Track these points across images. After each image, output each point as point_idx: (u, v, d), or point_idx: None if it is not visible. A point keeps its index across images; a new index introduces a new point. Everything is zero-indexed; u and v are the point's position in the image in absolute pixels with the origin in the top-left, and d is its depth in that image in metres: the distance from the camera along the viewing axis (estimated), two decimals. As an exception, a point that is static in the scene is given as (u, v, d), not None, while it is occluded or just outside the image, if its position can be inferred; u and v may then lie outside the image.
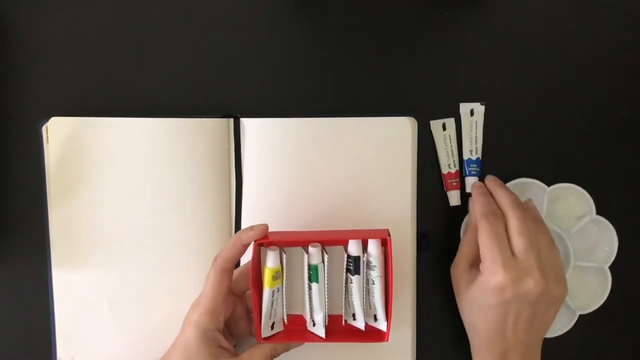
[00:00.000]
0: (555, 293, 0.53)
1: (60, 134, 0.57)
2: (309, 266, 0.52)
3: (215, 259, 0.52)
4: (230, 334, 0.56)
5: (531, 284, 0.52)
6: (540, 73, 0.61)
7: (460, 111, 0.61)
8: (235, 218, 0.60)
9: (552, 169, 0.61)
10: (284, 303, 0.53)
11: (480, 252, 0.54)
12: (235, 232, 0.59)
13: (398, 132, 0.59)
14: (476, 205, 0.56)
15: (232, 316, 0.55)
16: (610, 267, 0.61)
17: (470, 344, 0.57)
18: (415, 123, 0.60)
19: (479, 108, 0.60)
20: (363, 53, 0.60)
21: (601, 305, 0.61)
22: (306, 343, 0.55)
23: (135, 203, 0.58)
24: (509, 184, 0.60)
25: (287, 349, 0.55)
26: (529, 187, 0.60)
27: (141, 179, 0.58)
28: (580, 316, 0.61)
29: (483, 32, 0.61)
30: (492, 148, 0.61)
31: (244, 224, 0.60)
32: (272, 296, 0.52)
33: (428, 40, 0.61)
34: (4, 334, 0.59)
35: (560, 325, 0.61)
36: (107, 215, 0.58)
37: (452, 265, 0.58)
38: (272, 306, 0.52)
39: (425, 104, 0.61)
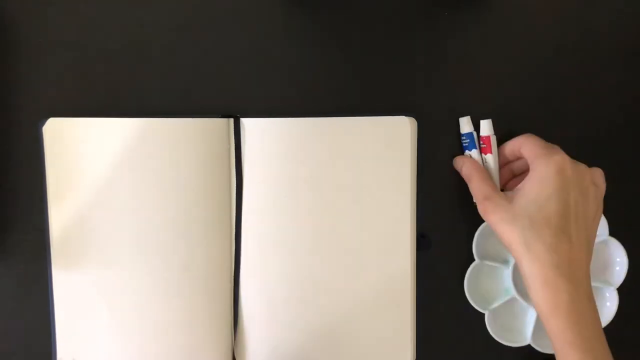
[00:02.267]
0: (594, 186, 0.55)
1: (59, 135, 0.58)
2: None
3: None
4: None
5: (582, 165, 0.54)
6: (540, 73, 0.61)
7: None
8: (236, 218, 0.60)
9: None
10: None
11: (526, 153, 0.55)
12: (236, 232, 0.59)
13: (398, 132, 0.59)
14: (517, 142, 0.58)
15: None
16: (619, 289, 0.60)
17: (527, 270, 0.52)
18: (415, 123, 0.59)
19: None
20: (363, 53, 0.60)
21: (607, 326, 0.61)
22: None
23: (135, 203, 0.58)
24: None
25: None
26: None
27: (140, 179, 0.58)
28: None
29: (483, 32, 0.61)
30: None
31: (244, 224, 0.59)
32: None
33: (428, 40, 0.60)
34: (4, 334, 0.59)
35: None
36: (107, 215, 0.58)
37: (482, 201, 0.55)
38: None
39: (425, 104, 0.60)
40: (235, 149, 0.59)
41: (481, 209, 0.55)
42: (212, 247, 0.59)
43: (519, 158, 0.58)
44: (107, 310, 0.59)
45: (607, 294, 0.61)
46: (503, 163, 0.59)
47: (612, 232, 0.60)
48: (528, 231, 0.51)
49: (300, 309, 0.60)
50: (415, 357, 0.61)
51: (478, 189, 0.56)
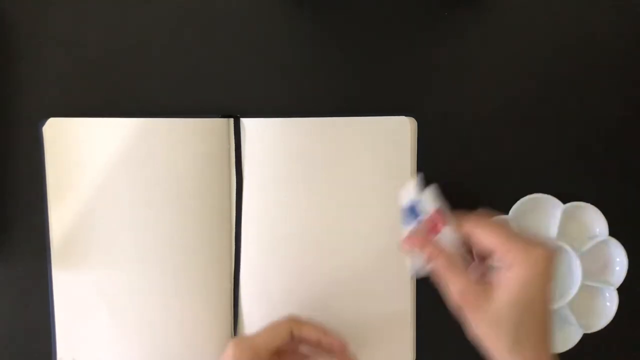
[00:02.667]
0: None
1: (59, 135, 0.58)
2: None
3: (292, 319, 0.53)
4: None
5: (554, 246, 0.49)
6: (540, 73, 0.61)
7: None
8: (236, 218, 0.59)
9: (567, 187, 0.61)
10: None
11: (491, 244, 0.48)
12: (236, 232, 0.59)
13: (398, 132, 0.59)
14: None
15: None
16: (619, 289, 0.60)
17: None
18: (415, 123, 0.59)
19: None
20: (363, 53, 0.60)
21: (606, 326, 0.61)
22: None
23: (134, 204, 0.58)
24: (524, 199, 0.60)
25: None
26: (544, 203, 0.60)
27: (140, 179, 0.58)
28: (585, 335, 0.61)
29: (483, 32, 0.60)
30: (499, 154, 0.61)
31: (245, 225, 0.59)
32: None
33: (428, 40, 0.60)
34: (4, 334, 0.59)
35: (564, 342, 0.61)
36: (107, 215, 0.58)
37: (459, 298, 0.49)
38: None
39: (425, 104, 0.60)
40: (235, 149, 0.59)
41: (457, 307, 0.50)
42: (212, 247, 0.59)
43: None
44: (107, 310, 0.58)
45: (607, 294, 0.61)
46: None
47: (612, 232, 0.60)
48: (513, 337, 0.47)
49: (300, 309, 0.59)
50: (415, 357, 0.61)
51: (453, 285, 0.49)
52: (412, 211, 0.52)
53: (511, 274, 0.47)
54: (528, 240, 0.48)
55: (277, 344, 0.51)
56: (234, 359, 0.50)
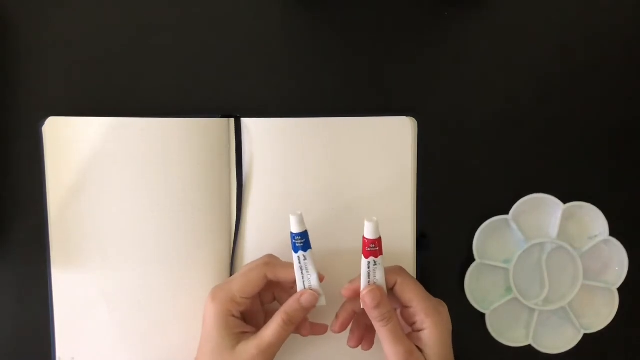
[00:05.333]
0: None
1: (59, 134, 0.57)
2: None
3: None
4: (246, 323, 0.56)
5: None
6: (540, 73, 0.61)
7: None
8: (236, 218, 0.59)
9: (567, 187, 0.61)
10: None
11: (411, 300, 0.53)
12: (235, 233, 0.59)
13: (398, 132, 0.59)
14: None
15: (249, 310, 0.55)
16: (619, 289, 0.61)
17: None
18: (415, 123, 0.59)
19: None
20: (363, 53, 0.60)
21: (607, 326, 0.61)
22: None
23: (135, 203, 0.58)
24: (524, 199, 0.60)
25: (301, 311, 0.53)
26: (544, 203, 0.60)
27: (141, 179, 0.58)
28: (585, 335, 0.61)
29: (483, 31, 0.60)
30: (500, 154, 0.61)
31: (245, 225, 0.59)
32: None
33: (428, 40, 0.60)
34: (4, 334, 0.59)
35: (564, 342, 0.61)
36: (107, 215, 0.58)
37: None
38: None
39: (425, 104, 0.60)
40: (236, 148, 0.59)
41: None
42: (213, 247, 0.59)
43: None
44: (107, 310, 0.58)
45: (607, 294, 0.61)
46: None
47: (612, 232, 0.60)
48: None
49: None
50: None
51: (396, 349, 0.51)
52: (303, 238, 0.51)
53: (432, 334, 0.52)
54: (435, 300, 0.54)
55: (253, 291, 0.53)
56: (215, 312, 0.52)
